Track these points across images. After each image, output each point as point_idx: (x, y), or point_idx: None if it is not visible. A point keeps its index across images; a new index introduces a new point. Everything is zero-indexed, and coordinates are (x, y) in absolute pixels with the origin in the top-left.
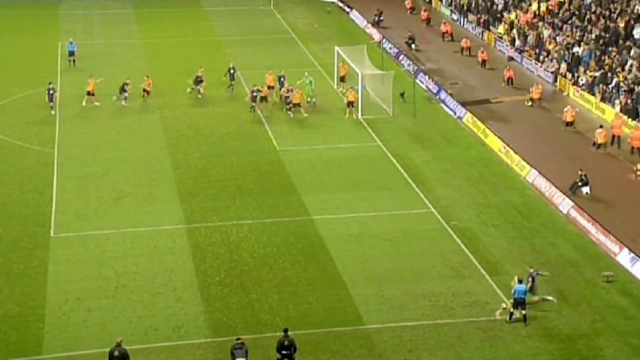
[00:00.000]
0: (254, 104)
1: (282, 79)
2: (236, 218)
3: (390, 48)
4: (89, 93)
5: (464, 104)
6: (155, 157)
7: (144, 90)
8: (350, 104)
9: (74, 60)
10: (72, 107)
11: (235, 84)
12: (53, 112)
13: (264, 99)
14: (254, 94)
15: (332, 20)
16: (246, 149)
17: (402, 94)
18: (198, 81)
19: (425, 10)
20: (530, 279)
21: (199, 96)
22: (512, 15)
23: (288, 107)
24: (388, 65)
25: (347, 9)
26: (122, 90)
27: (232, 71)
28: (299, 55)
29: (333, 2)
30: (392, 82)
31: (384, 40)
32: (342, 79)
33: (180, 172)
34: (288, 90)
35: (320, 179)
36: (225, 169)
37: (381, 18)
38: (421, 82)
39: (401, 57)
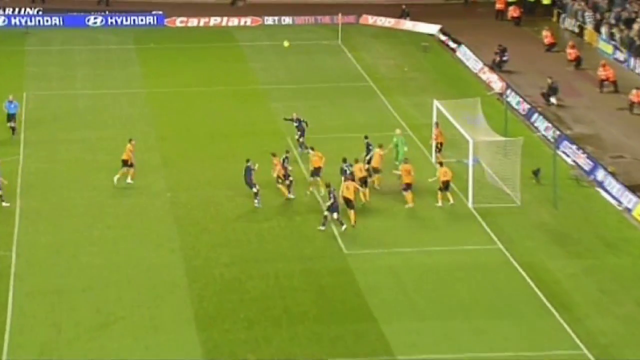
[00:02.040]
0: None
1: (369, 146)
2: (282, 355)
3: (518, 103)
4: (125, 163)
5: (634, 189)
6: (162, 264)
7: (123, 161)
8: (445, 185)
9: (13, 128)
10: (37, 191)
11: (305, 140)
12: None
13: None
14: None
15: (430, 60)
16: (298, 251)
17: (535, 172)
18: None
19: (572, 47)
20: None
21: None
22: None
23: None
24: (514, 129)
25: (453, 45)
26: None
27: (296, 122)
28: (378, 112)
29: (432, 35)
30: (521, 154)
31: (508, 91)
32: (438, 148)
33: (199, 286)
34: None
35: (409, 298)
36: (265, 281)
37: (504, 58)
38: (565, 154)
39: (535, 116)
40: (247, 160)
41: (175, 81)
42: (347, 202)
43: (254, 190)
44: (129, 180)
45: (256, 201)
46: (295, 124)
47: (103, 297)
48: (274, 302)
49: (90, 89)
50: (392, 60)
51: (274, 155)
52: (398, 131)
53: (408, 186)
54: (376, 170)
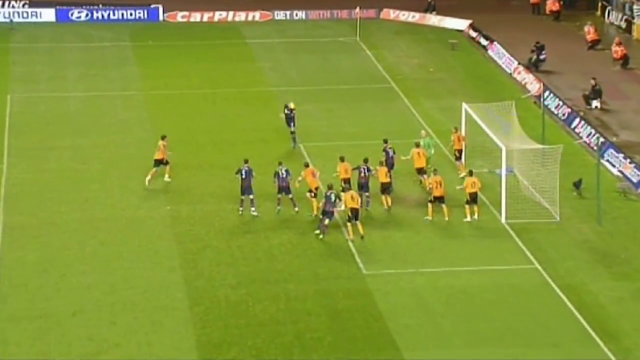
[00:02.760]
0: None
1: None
2: None
3: (558, 106)
4: (160, 162)
5: None
6: (160, 285)
7: (156, 160)
8: (472, 197)
9: None
10: (22, 204)
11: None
12: None
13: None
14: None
15: (458, 59)
16: (311, 271)
17: (576, 184)
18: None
19: (619, 44)
20: None
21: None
22: None
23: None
24: (553, 136)
25: (484, 42)
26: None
27: (288, 112)
28: (401, 117)
29: (460, 31)
30: (560, 164)
31: (546, 93)
32: (457, 156)
33: (201, 310)
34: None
35: (435, 324)
36: (275, 304)
37: (542, 57)
38: (610, 163)
39: (576, 121)
40: (246, 161)
41: (175, 82)
42: (354, 212)
43: (251, 197)
44: (166, 178)
45: (253, 209)
46: (286, 112)
47: (95, 322)
48: (285, 327)
49: (82, 90)
50: (417, 60)
51: (306, 165)
52: (423, 133)
53: (437, 199)
54: (421, 171)
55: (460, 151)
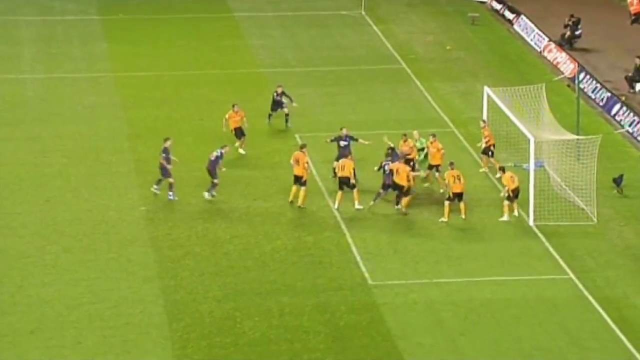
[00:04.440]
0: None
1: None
2: None
3: (595, 90)
4: (239, 132)
5: None
6: (134, 298)
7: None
8: (515, 193)
9: None
10: None
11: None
12: None
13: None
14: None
15: (479, 35)
16: (309, 281)
17: (617, 181)
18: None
19: None
20: None
21: (223, 169)
22: None
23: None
24: (589, 124)
25: (510, 16)
26: (165, 171)
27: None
28: (414, 103)
29: (482, 2)
30: (597, 157)
31: (582, 74)
32: (485, 151)
33: (181, 327)
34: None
35: (452, 343)
36: (267, 320)
37: (577, 32)
38: None
39: (617, 107)
40: (223, 147)
41: (151, 63)
42: (343, 181)
43: (215, 180)
44: (241, 151)
45: (207, 194)
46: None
47: (57, 342)
48: (279, 347)
49: (42, 72)
50: (432, 36)
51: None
52: (416, 134)
53: (457, 196)
54: (432, 167)
55: (493, 146)
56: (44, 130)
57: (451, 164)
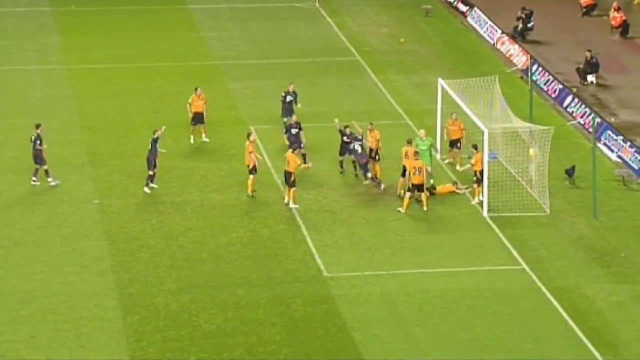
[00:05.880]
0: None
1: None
2: None
3: (548, 82)
4: (199, 117)
5: None
6: (87, 292)
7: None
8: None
9: None
10: None
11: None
12: None
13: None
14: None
15: (432, 28)
16: (265, 274)
17: (569, 172)
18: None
19: (617, 9)
20: None
21: (163, 151)
22: None
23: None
24: (541, 116)
25: (463, 8)
26: (39, 159)
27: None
28: (368, 95)
29: None
30: (549, 148)
31: (534, 66)
32: (453, 144)
33: (136, 320)
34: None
35: (408, 334)
36: (223, 313)
37: (529, 25)
38: (608, 147)
39: (569, 99)
40: (156, 131)
41: (104, 55)
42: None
43: (151, 172)
44: (205, 138)
45: (146, 188)
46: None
47: (10, 336)
48: (234, 339)
49: None
50: (386, 28)
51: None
52: (422, 132)
53: (416, 188)
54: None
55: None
56: None
57: (415, 153)
